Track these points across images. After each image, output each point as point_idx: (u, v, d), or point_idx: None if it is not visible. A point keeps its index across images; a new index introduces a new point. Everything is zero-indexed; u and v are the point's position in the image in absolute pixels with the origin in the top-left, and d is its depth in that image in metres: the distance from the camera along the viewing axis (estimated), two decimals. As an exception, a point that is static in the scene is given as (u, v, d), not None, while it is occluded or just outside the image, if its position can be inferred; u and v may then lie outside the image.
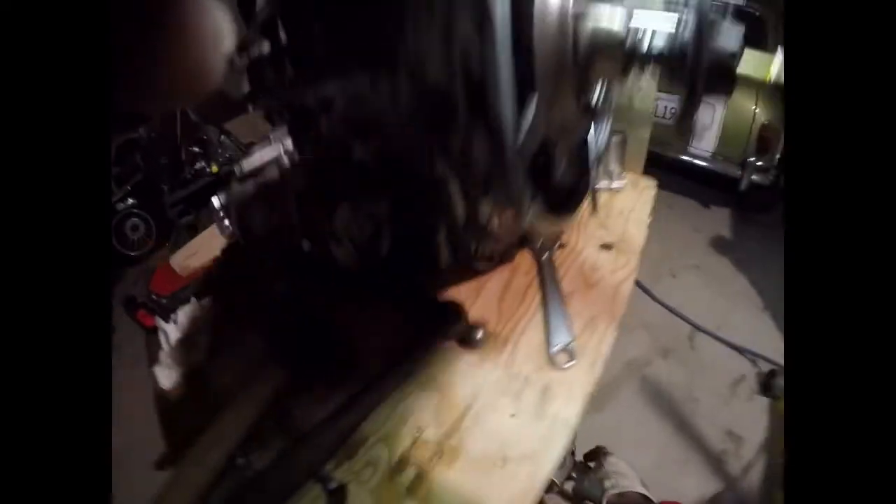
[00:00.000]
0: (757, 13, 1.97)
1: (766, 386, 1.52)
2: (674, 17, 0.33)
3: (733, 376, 1.57)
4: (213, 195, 0.67)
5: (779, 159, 1.94)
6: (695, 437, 1.41)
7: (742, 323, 1.73)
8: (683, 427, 1.43)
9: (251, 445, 0.54)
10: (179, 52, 0.16)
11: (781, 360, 1.57)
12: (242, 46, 0.41)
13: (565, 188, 0.51)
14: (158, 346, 0.78)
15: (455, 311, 0.60)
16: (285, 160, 0.61)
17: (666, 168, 2.21)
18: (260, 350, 0.65)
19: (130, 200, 2.30)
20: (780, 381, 1.46)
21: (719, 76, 0.35)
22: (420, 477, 0.49)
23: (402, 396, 0.56)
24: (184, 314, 0.80)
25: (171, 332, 0.79)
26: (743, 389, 1.55)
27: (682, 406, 1.48)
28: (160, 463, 0.57)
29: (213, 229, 0.81)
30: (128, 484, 0.61)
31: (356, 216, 0.54)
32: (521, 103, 0.33)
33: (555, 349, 0.55)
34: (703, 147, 2.10)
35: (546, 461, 0.47)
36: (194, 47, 0.16)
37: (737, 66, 0.35)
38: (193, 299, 0.81)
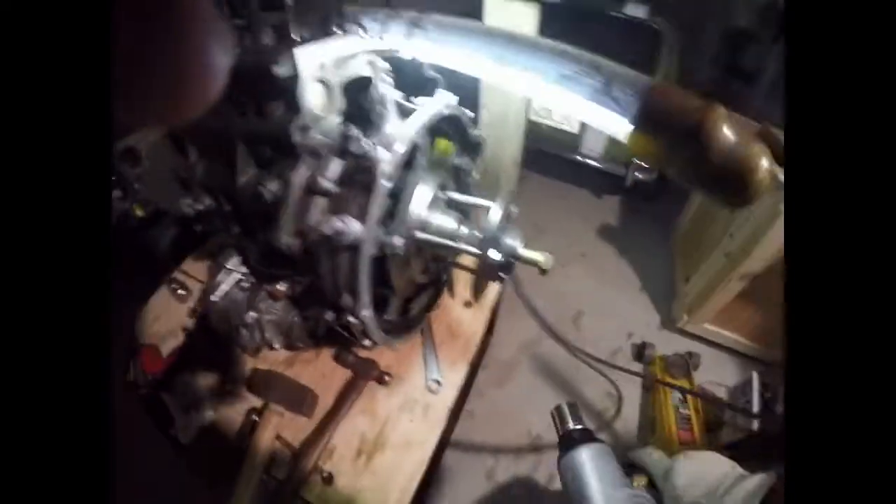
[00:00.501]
0: (657, 27, 2.26)
1: (639, 353, 2.15)
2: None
3: (611, 347, 2.29)
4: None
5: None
6: (580, 398, 2.09)
7: (623, 303, 2.50)
8: (571, 392, 2.13)
9: (269, 467, 1.11)
10: (178, 66, 0.18)
11: (655, 335, 2.21)
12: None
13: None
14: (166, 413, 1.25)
15: (372, 364, 1.25)
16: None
17: (566, 162, 2.89)
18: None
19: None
20: (650, 351, 2.07)
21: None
22: (368, 458, 1.15)
23: (350, 417, 1.21)
24: (181, 385, 1.28)
25: (172, 402, 1.24)
26: (620, 358, 2.22)
27: (568, 375, 2.15)
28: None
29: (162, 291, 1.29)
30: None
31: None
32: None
33: (430, 381, 1.22)
34: (593, 149, 2.79)
35: (429, 444, 1.14)
36: (193, 61, 0.18)
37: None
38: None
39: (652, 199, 2.90)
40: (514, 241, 0.82)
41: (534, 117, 2.89)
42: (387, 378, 1.23)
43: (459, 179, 1.05)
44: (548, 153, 2.89)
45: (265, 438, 1.14)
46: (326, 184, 0.72)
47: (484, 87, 1.25)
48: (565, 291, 2.47)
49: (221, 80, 0.20)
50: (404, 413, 1.19)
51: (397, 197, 0.81)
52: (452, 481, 1.91)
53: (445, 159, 0.95)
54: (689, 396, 1.72)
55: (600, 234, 2.81)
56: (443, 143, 1.07)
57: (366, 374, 1.24)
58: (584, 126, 2.77)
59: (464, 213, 1.07)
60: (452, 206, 0.95)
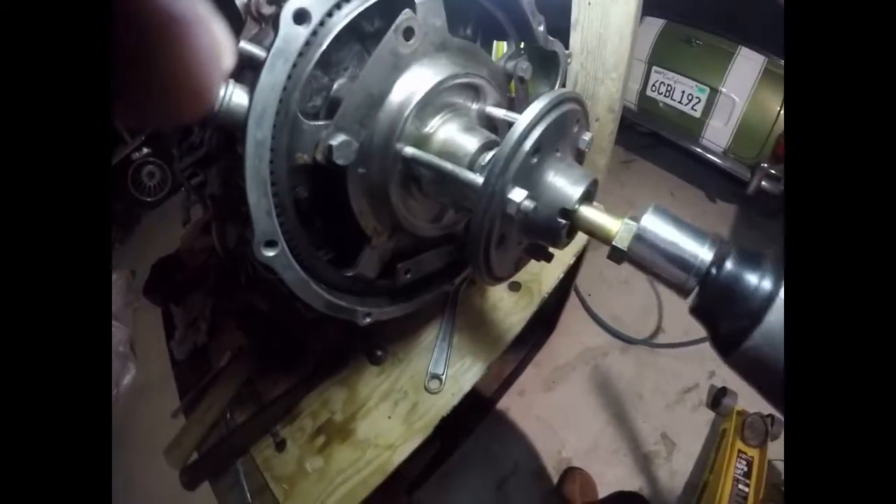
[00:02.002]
0: None
1: (715, 400, 1.72)
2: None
3: (685, 384, 1.87)
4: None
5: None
6: (630, 431, 1.76)
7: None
8: (621, 419, 1.78)
9: (233, 409, 0.95)
10: (176, 69, 0.17)
11: (739, 383, 1.86)
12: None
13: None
14: (172, 323, 1.20)
15: (367, 332, 0.96)
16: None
17: (682, 151, 2.38)
18: (241, 339, 1.05)
19: (145, 150, 2.73)
20: (729, 402, 1.66)
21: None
22: (327, 443, 0.88)
23: (326, 386, 0.95)
24: (189, 303, 1.20)
25: (178, 314, 1.20)
26: (691, 398, 1.85)
27: (626, 400, 1.83)
28: (175, 413, 1.00)
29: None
30: (150, 425, 1.04)
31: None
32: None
33: (429, 377, 0.91)
34: (716, 141, 2.23)
35: (398, 455, 0.85)
36: (192, 64, 0.17)
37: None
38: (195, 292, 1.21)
39: (774, 216, 2.30)
40: (568, 187, 0.47)
41: (650, 92, 2.39)
42: (379, 354, 0.94)
43: (517, 97, 0.69)
44: (662, 138, 2.39)
45: (234, 380, 0.99)
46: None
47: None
48: (648, 305, 2.04)
49: (220, 82, 0.19)
50: (385, 404, 0.90)
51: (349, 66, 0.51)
52: (459, 478, 1.65)
53: (474, 49, 0.59)
54: (755, 471, 1.44)
55: (706, 245, 2.27)
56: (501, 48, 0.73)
57: (358, 343, 0.96)
58: (708, 111, 2.22)
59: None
60: (488, 125, 0.61)
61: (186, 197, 0.93)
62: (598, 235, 0.47)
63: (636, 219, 0.45)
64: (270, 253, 0.47)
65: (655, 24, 2.37)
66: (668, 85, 2.32)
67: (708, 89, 2.20)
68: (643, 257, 0.42)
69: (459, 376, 0.93)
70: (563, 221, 0.47)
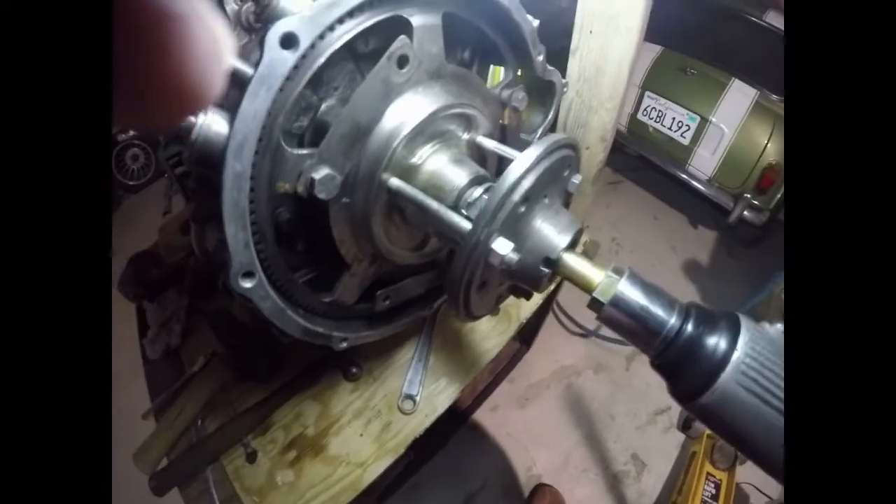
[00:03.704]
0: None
1: (686, 423, 1.66)
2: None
3: (657, 406, 1.87)
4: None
5: (776, 203, 2.09)
6: (601, 450, 1.75)
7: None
8: (593, 439, 1.78)
9: (204, 415, 0.91)
10: (175, 68, 0.16)
11: None
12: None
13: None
14: (145, 320, 1.15)
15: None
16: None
17: (668, 176, 2.39)
18: (215, 343, 1.01)
19: (131, 132, 2.65)
20: (700, 425, 1.61)
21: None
22: (298, 458, 0.86)
23: (299, 400, 0.91)
24: (163, 301, 1.15)
25: (152, 312, 1.15)
26: (662, 420, 1.85)
27: (598, 420, 1.82)
28: (145, 414, 0.96)
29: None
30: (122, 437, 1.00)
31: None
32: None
33: (403, 397, 0.88)
34: (702, 169, 2.25)
35: (369, 473, 0.82)
36: (191, 63, 0.17)
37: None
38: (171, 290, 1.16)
39: (752, 246, 2.34)
40: (554, 236, 0.45)
41: (641, 116, 2.40)
42: (353, 371, 0.91)
43: (510, 127, 0.67)
44: (650, 162, 2.40)
45: (207, 386, 0.96)
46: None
47: (581, 22, 0.85)
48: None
49: (220, 82, 0.18)
50: (358, 422, 0.87)
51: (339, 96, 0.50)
52: (427, 491, 1.63)
53: (469, 77, 0.57)
54: (723, 494, 1.44)
55: (685, 269, 2.31)
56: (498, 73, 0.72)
57: (333, 360, 0.93)
58: (696, 140, 2.24)
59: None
60: (477, 155, 0.59)
61: (169, 185, 0.88)
62: (579, 284, 0.45)
63: (620, 271, 0.44)
64: (248, 284, 0.44)
65: (652, 50, 2.38)
66: (660, 111, 2.33)
67: (698, 118, 2.22)
68: (619, 321, 0.43)
69: (433, 397, 0.91)
70: (546, 270, 0.46)
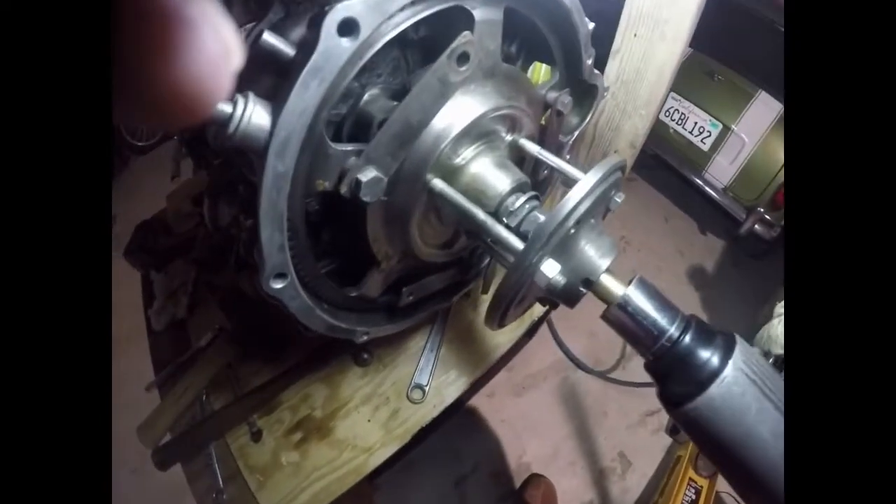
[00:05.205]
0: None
1: (674, 428, 1.78)
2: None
3: (649, 407, 1.87)
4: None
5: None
6: (590, 445, 1.77)
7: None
8: (583, 433, 1.79)
9: (210, 392, 0.91)
10: (182, 72, 0.16)
11: None
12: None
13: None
14: (151, 290, 1.13)
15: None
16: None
17: (683, 179, 2.35)
18: (223, 318, 0.99)
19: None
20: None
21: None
22: (304, 439, 0.85)
23: (308, 382, 0.90)
24: (171, 270, 1.13)
25: (159, 282, 1.13)
26: (652, 422, 1.85)
27: (590, 415, 1.83)
28: (149, 387, 0.95)
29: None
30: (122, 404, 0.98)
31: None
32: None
33: (412, 386, 0.87)
34: (718, 177, 2.21)
35: (375, 459, 0.82)
36: (198, 67, 0.16)
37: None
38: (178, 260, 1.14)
39: (759, 258, 2.31)
40: (597, 259, 0.44)
41: (663, 117, 2.34)
42: (364, 356, 0.90)
43: (550, 129, 0.64)
44: (666, 163, 2.35)
45: (214, 362, 0.95)
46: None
47: (626, 24, 0.81)
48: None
49: (226, 88, 0.18)
50: (366, 407, 0.87)
51: (396, 93, 0.47)
52: (420, 470, 1.63)
53: (520, 77, 0.54)
54: (702, 500, 1.46)
55: (689, 275, 2.29)
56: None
57: (344, 344, 0.91)
58: (716, 147, 2.19)
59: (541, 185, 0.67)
60: (517, 156, 0.56)
61: (178, 149, 0.83)
62: (606, 301, 0.45)
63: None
64: (279, 285, 0.42)
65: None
66: (682, 113, 2.28)
67: (721, 125, 2.16)
68: (623, 323, 0.43)
69: (443, 388, 0.90)
70: (584, 290, 0.44)
